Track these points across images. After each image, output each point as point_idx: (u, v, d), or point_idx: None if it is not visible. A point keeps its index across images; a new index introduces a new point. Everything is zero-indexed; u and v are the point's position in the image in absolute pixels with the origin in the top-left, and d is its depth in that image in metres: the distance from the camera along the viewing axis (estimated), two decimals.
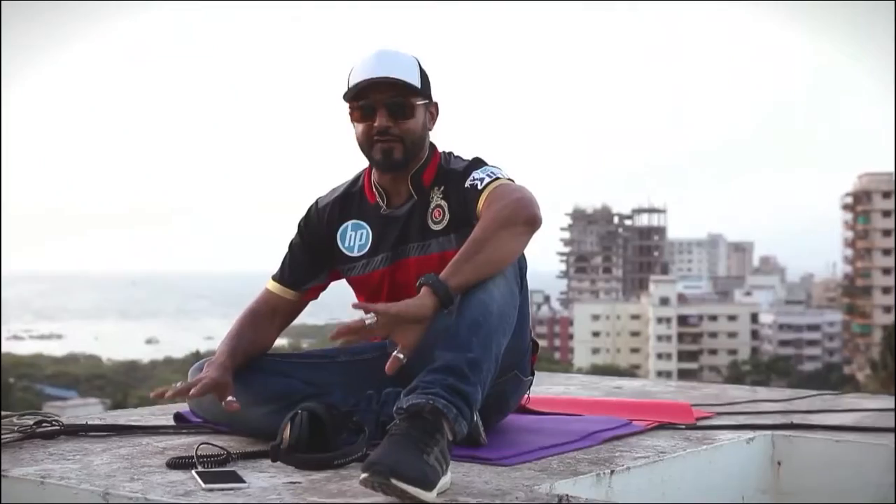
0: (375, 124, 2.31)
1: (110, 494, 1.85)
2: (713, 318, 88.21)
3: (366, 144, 2.35)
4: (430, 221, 2.36)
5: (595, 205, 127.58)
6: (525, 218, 2.10)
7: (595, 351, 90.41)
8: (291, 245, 2.51)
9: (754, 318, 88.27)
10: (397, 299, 2.33)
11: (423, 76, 2.39)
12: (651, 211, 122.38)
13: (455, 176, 2.36)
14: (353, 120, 2.38)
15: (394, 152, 2.32)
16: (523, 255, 2.13)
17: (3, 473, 2.00)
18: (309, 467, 2.00)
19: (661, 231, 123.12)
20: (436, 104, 2.44)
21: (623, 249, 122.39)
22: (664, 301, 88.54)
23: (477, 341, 1.90)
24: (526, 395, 2.49)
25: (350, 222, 2.45)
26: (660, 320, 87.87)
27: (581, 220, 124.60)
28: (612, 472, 2.05)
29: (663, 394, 3.35)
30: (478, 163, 2.37)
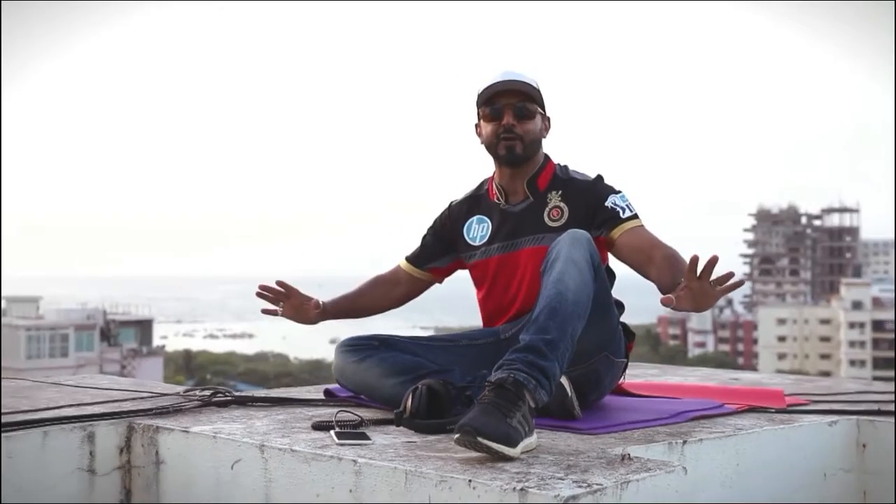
0: (503, 123, 2.78)
1: (265, 446, 2.31)
2: None
3: (493, 142, 2.83)
4: (546, 219, 2.80)
5: (781, 204, 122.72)
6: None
7: (781, 356, 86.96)
8: (426, 233, 3.06)
9: None
10: (508, 283, 2.79)
11: (540, 93, 2.85)
12: (842, 210, 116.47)
13: (580, 185, 2.82)
14: (483, 122, 2.85)
15: (515, 148, 2.80)
16: (595, 248, 2.46)
17: (186, 429, 2.51)
18: (425, 431, 2.39)
19: (853, 231, 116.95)
20: (549, 118, 2.89)
21: (811, 251, 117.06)
22: (857, 305, 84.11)
23: (554, 325, 2.24)
24: (622, 377, 2.80)
25: (476, 217, 2.94)
26: (852, 325, 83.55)
27: (766, 220, 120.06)
28: (685, 441, 2.34)
29: (777, 386, 3.54)
30: (602, 180, 2.82)
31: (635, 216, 2.75)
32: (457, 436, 2.05)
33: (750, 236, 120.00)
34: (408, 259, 3.06)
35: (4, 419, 2.54)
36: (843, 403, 2.96)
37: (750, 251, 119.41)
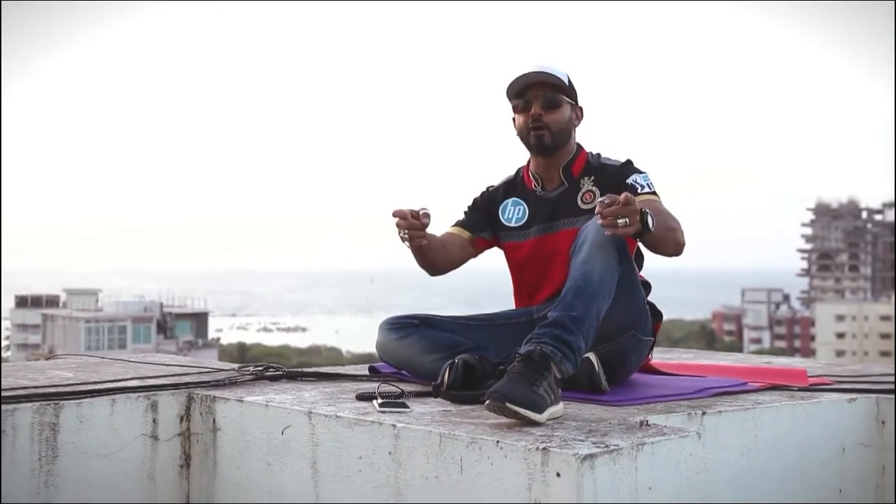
0: (531, 113, 2.97)
1: (313, 413, 2.50)
2: None
3: (524, 132, 3.02)
4: (580, 202, 2.98)
5: (840, 198, 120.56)
6: (682, 246, 2.77)
7: (839, 353, 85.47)
8: (465, 211, 3.18)
9: None
10: (545, 265, 2.97)
11: (571, 85, 3.03)
12: None
13: (611, 170, 2.99)
14: (515, 113, 3.03)
15: (544, 138, 2.98)
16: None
17: (240, 399, 2.71)
18: (460, 402, 2.56)
19: None
20: (581, 108, 3.06)
21: (872, 246, 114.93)
22: None
23: (579, 303, 2.40)
24: (648, 355, 2.95)
25: (510, 199, 3.11)
26: None
27: (825, 214, 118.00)
28: (704, 413, 2.48)
29: (809, 369, 3.64)
30: (631, 164, 2.99)
31: (653, 193, 2.89)
32: (487, 402, 2.22)
33: (808, 231, 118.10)
34: (458, 224, 3.13)
35: (76, 388, 2.77)
36: (866, 383, 3.07)
37: (808, 246, 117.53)
